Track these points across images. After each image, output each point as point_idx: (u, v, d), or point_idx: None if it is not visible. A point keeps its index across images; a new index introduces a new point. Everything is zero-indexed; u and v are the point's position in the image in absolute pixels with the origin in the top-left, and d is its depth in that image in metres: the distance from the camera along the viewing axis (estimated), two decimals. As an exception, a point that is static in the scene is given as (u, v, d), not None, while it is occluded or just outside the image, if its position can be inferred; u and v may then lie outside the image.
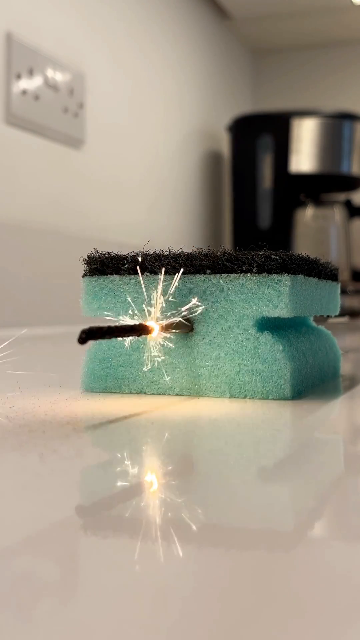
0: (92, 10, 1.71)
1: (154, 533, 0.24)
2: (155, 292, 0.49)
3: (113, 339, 0.50)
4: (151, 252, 0.50)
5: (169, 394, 0.50)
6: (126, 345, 0.50)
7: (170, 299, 0.49)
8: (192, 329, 0.49)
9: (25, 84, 1.45)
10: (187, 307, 0.49)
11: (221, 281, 0.48)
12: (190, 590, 0.19)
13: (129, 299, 0.50)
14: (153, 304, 0.48)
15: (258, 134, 2.23)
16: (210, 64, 2.39)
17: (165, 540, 0.23)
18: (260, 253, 0.48)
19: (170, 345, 0.49)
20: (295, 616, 0.18)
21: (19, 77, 1.43)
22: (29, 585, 0.19)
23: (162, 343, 0.49)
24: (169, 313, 0.49)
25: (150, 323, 0.48)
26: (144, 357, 0.50)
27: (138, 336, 0.47)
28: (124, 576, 0.20)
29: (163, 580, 0.20)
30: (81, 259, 0.52)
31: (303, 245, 2.20)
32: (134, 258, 0.50)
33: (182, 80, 2.19)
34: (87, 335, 0.40)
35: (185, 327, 0.49)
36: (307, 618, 0.18)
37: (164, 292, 0.49)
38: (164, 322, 0.48)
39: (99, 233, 1.71)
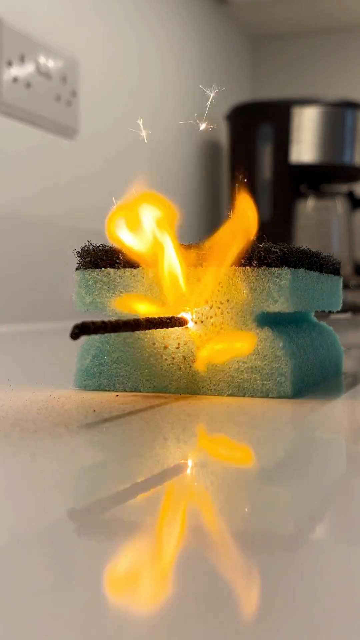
0: (86, -5, 1.71)
1: (149, 536, 0.24)
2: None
3: (107, 334, 0.50)
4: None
5: (166, 393, 0.50)
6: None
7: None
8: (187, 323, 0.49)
9: (16, 71, 1.45)
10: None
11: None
12: (189, 593, 0.19)
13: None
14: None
15: (257, 123, 2.23)
16: (207, 51, 2.38)
17: (161, 544, 0.23)
18: (260, 246, 0.48)
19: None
20: (296, 619, 0.17)
21: (9, 64, 1.43)
22: (20, 590, 0.19)
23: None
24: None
25: (183, 314, 0.48)
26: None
27: (132, 331, 0.47)
28: (118, 581, 0.20)
29: (160, 585, 0.20)
30: (74, 252, 0.52)
31: (304, 238, 2.20)
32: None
33: (178, 67, 2.18)
34: (80, 330, 0.40)
35: (182, 323, 0.49)
36: (308, 621, 0.17)
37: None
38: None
39: (93, 225, 1.71)
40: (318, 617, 0.18)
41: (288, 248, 0.48)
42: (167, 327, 0.48)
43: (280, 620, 0.18)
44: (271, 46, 2.76)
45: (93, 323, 0.41)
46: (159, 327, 0.47)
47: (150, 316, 0.47)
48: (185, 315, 0.49)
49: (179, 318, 0.48)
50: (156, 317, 0.47)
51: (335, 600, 0.19)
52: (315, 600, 0.19)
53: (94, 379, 0.51)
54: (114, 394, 0.49)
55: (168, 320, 0.48)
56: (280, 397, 0.47)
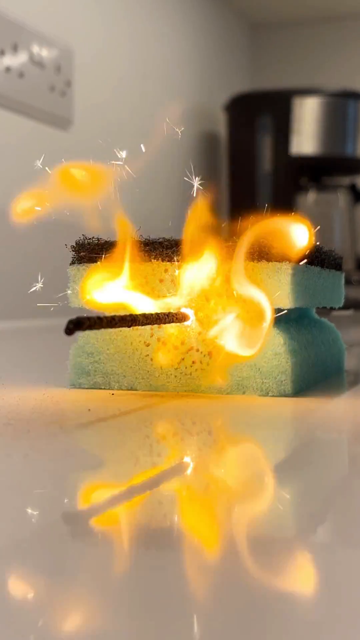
0: (81, -18, 1.71)
1: (146, 540, 0.23)
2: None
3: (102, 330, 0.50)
4: (143, 239, 0.50)
5: (163, 391, 0.50)
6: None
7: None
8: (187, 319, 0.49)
9: (9, 60, 1.44)
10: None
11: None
12: (187, 598, 0.19)
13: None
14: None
15: (257, 114, 2.23)
16: (205, 39, 2.38)
17: (158, 547, 0.23)
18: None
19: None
20: (297, 624, 0.17)
21: (2, 53, 1.42)
22: (14, 592, 0.19)
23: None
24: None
25: (185, 310, 0.48)
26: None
27: (129, 327, 0.47)
28: (113, 586, 0.20)
29: (157, 589, 0.20)
30: (68, 246, 0.52)
31: (305, 233, 2.20)
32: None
33: (176, 56, 2.18)
34: (75, 326, 0.39)
35: (183, 318, 0.49)
36: (309, 625, 0.17)
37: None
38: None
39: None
40: (319, 618, 0.18)
41: (289, 242, 0.48)
42: (164, 323, 0.48)
43: (279, 624, 0.18)
44: (271, 35, 2.76)
45: (88, 318, 0.41)
46: (156, 323, 0.47)
47: (146, 312, 0.47)
48: (186, 311, 0.48)
49: (176, 314, 0.48)
50: (153, 312, 0.47)
51: (336, 602, 0.19)
52: (315, 601, 0.19)
53: (89, 377, 0.51)
54: (110, 392, 0.49)
55: (166, 316, 0.48)
56: (280, 395, 0.47)
